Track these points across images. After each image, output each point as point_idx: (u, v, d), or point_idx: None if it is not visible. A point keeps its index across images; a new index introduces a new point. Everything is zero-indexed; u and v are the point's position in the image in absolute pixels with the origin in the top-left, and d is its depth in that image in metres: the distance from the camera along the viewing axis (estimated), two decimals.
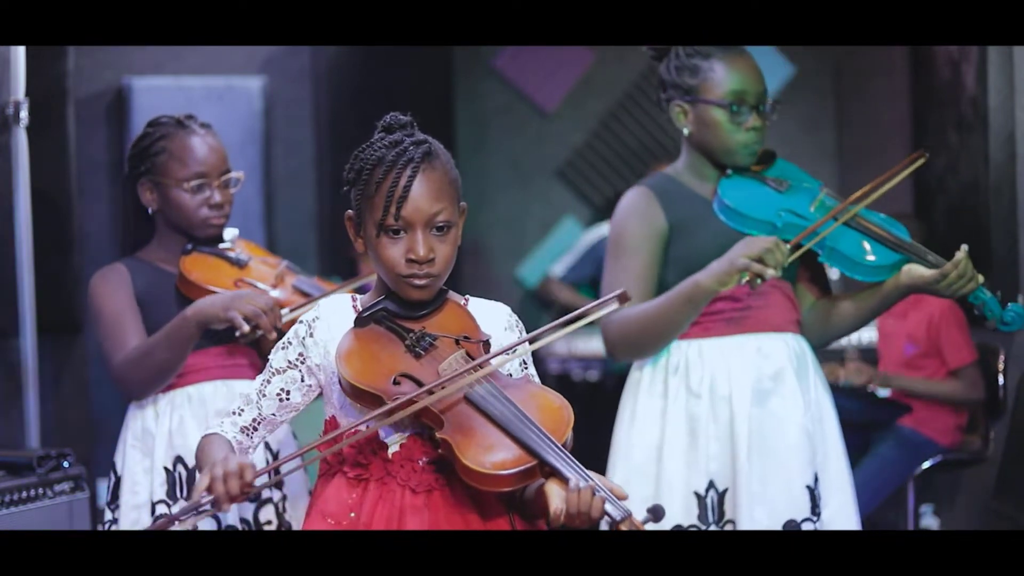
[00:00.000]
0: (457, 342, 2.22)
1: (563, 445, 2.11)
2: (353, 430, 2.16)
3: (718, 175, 3.10)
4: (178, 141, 3.02)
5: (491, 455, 2.08)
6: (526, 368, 2.32)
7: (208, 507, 2.07)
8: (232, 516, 2.98)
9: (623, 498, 2.08)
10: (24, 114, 3.89)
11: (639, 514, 2.06)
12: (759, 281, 2.85)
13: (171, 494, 2.97)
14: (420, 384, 2.14)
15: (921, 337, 4.87)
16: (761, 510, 2.94)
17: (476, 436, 2.10)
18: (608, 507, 2.04)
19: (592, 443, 3.14)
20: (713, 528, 2.98)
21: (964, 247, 2.94)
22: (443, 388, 2.13)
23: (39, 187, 4.03)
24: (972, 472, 5.01)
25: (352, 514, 2.19)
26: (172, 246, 3.07)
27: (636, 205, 3.06)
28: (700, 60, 3.04)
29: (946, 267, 2.92)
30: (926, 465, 4.84)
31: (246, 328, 2.84)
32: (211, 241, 3.09)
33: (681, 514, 2.98)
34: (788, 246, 2.89)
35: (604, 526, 2.06)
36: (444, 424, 2.12)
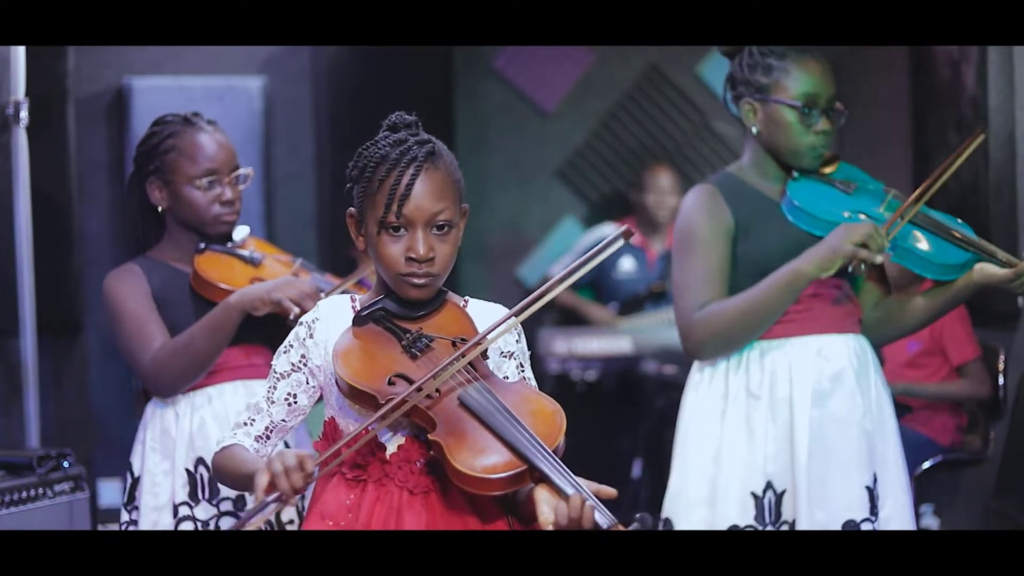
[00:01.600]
0: (454, 344, 2.21)
1: (555, 451, 2.10)
2: (358, 435, 2.14)
3: (783, 175, 3.11)
4: (187, 138, 3.02)
5: (481, 459, 2.07)
6: (523, 372, 2.31)
7: (275, 505, 2.05)
8: None
9: (612, 497, 2.09)
10: (24, 114, 3.89)
11: (627, 522, 2.06)
12: (863, 267, 2.88)
13: (193, 495, 2.97)
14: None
15: (924, 334, 4.85)
16: (821, 511, 2.94)
17: (467, 439, 2.09)
18: (596, 515, 2.04)
19: (590, 443, 3.14)
20: (770, 529, 2.98)
21: None
22: (433, 381, 2.12)
23: (39, 187, 4.03)
24: (972, 472, 5.00)
25: (350, 515, 2.19)
26: (184, 244, 3.06)
27: (703, 202, 3.05)
28: (774, 60, 3.04)
29: (1021, 266, 2.95)
30: (926, 465, 4.83)
31: (295, 311, 2.84)
32: (223, 240, 3.08)
33: (737, 514, 2.99)
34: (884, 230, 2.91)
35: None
36: (436, 426, 2.11)
